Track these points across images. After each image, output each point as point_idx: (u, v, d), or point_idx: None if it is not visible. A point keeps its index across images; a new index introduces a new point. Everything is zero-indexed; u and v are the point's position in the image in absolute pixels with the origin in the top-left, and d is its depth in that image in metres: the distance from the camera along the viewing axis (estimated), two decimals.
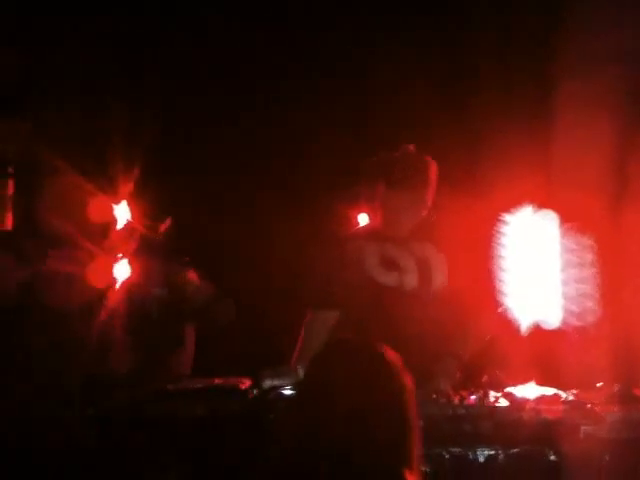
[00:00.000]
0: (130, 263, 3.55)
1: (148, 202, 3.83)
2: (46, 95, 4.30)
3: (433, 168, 3.39)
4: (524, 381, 3.10)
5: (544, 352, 3.38)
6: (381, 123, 4.73)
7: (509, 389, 3.08)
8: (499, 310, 3.35)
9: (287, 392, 3.05)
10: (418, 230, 3.40)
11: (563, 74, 3.92)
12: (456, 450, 2.84)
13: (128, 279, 3.51)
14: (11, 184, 4.16)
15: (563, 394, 3.05)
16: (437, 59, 4.56)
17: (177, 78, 4.78)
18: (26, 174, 4.20)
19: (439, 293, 3.40)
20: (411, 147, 3.44)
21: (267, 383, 3.03)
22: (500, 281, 3.38)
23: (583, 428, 2.86)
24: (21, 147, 4.18)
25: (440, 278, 3.40)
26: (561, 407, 2.95)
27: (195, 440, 2.86)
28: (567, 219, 3.51)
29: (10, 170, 4.19)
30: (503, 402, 2.99)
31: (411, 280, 3.39)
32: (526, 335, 3.39)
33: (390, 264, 3.41)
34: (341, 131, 4.82)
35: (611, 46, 3.88)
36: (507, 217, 3.65)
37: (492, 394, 3.04)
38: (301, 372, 3.17)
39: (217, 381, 3.11)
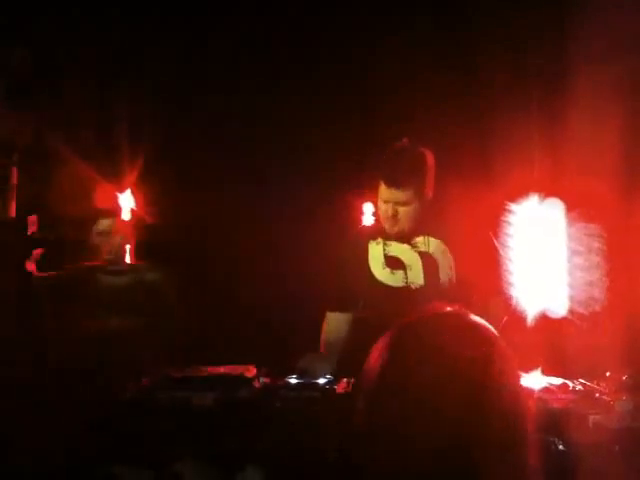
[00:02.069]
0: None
1: (153, 191, 3.83)
2: (52, 85, 4.29)
3: (429, 160, 3.33)
4: (532, 370, 3.08)
5: (552, 341, 3.37)
6: (386, 115, 4.71)
7: None
8: (508, 300, 3.33)
9: (293, 381, 3.05)
10: (421, 225, 3.37)
11: (574, 62, 3.89)
12: None
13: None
14: (15, 173, 4.14)
15: (571, 383, 3.03)
16: (445, 46, 4.54)
17: (181, 73, 4.78)
18: (30, 163, 4.19)
19: (447, 287, 3.37)
20: (405, 141, 3.38)
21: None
22: (507, 270, 3.35)
23: (592, 417, 2.84)
24: (26, 136, 4.17)
25: (447, 272, 3.37)
26: (569, 396, 2.94)
27: (204, 427, 2.85)
28: (574, 207, 3.49)
29: (14, 159, 4.16)
30: None
31: (417, 278, 3.37)
32: (533, 324, 3.37)
33: (395, 264, 3.39)
34: (348, 124, 4.82)
35: (622, 35, 3.85)
36: (513, 206, 3.64)
37: None
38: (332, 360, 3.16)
39: (223, 369, 3.10)
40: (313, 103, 4.92)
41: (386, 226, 3.39)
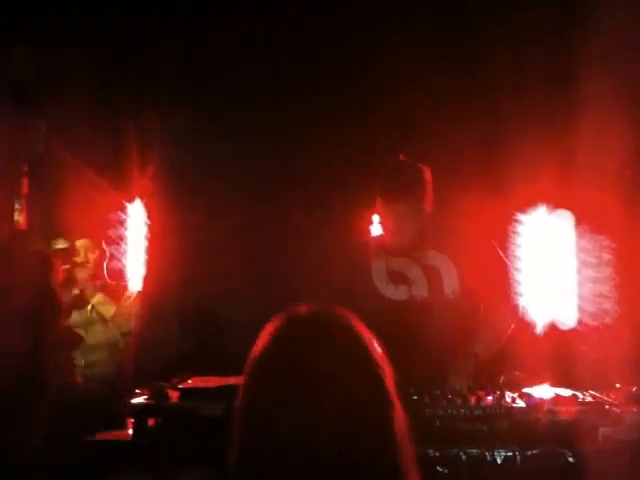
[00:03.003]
0: None
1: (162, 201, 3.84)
2: (61, 95, 4.30)
3: (426, 175, 3.37)
4: (541, 381, 3.08)
5: (561, 352, 3.37)
6: (390, 123, 4.71)
7: (526, 390, 3.05)
8: (515, 310, 3.33)
9: None
10: (424, 238, 3.38)
11: (581, 71, 3.88)
12: (473, 451, 2.81)
13: None
14: (25, 183, 4.15)
15: (580, 395, 3.02)
16: (452, 56, 4.53)
17: (191, 76, 4.79)
18: (40, 173, 4.20)
19: (452, 298, 3.37)
20: (401, 156, 3.42)
21: None
22: (515, 281, 3.35)
23: (601, 429, 2.83)
24: (35, 146, 4.18)
25: (451, 284, 3.37)
26: (579, 408, 2.92)
27: (212, 438, 2.85)
28: (584, 218, 3.50)
29: (24, 169, 4.17)
30: (520, 403, 2.97)
31: (421, 290, 3.37)
32: (542, 335, 3.38)
33: (398, 278, 3.40)
34: (352, 130, 4.83)
35: (631, 42, 3.83)
36: (522, 217, 3.65)
37: (509, 394, 3.01)
38: None
39: (232, 380, 3.10)
40: (315, 104, 4.92)
41: (388, 239, 3.40)
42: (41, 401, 3.55)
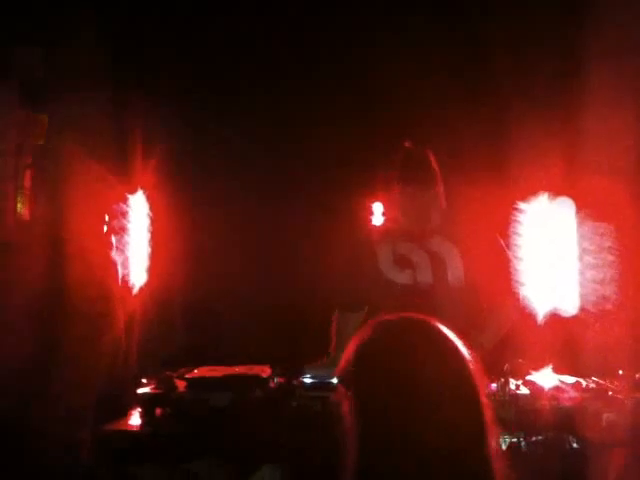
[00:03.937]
0: None
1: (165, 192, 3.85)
2: (64, 87, 4.31)
3: (434, 160, 3.39)
4: (545, 369, 3.09)
5: (564, 339, 3.38)
6: (397, 114, 4.71)
7: (530, 377, 3.07)
8: (518, 298, 3.34)
9: (308, 381, 3.05)
10: (431, 224, 3.40)
11: (585, 58, 3.88)
12: None
13: None
14: (29, 175, 4.16)
15: (584, 381, 3.04)
16: (455, 46, 4.53)
17: (190, 73, 4.80)
18: (44, 165, 4.20)
19: (456, 286, 3.38)
20: (408, 143, 3.44)
21: (310, 376, 3.04)
22: (518, 269, 3.36)
23: (605, 415, 2.85)
24: (39, 138, 4.19)
25: (455, 272, 3.38)
26: (582, 394, 2.95)
27: (220, 427, 2.86)
28: (585, 205, 3.52)
29: (28, 161, 4.18)
30: (524, 390, 2.99)
31: (425, 276, 3.38)
32: (545, 323, 3.39)
33: (403, 262, 3.41)
34: (354, 123, 4.83)
35: (636, 30, 3.83)
36: (524, 205, 3.66)
37: (513, 382, 3.03)
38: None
39: (238, 369, 3.11)
40: (320, 103, 4.93)
41: (400, 224, 3.42)
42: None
